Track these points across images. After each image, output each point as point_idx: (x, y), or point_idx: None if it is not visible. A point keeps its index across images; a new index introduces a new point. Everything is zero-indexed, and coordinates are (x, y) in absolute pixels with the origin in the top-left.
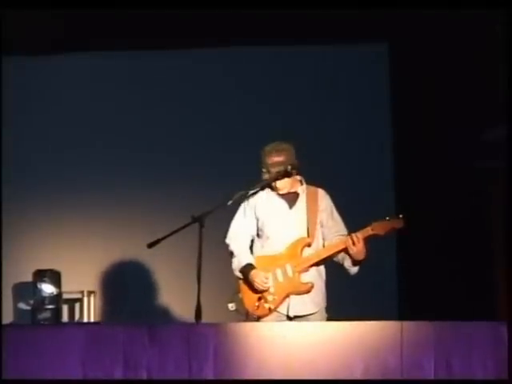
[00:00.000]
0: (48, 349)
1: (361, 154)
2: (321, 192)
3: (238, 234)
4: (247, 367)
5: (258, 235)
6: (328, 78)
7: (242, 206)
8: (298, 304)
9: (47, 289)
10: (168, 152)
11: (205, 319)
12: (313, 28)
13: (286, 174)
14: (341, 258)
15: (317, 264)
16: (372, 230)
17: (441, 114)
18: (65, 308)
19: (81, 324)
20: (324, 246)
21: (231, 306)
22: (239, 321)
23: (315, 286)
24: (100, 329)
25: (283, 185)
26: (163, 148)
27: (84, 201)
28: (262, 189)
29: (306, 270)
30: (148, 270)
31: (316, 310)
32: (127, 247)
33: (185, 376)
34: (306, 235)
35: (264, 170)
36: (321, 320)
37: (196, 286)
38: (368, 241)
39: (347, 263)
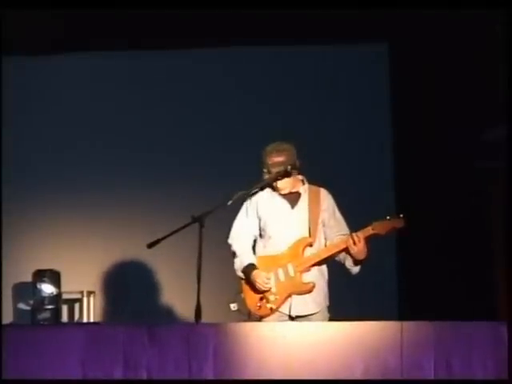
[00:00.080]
0: (48, 349)
1: (361, 154)
2: (323, 191)
3: (240, 234)
4: (247, 367)
5: (260, 235)
6: (328, 78)
7: (245, 206)
8: (299, 304)
9: (47, 289)
10: (168, 152)
11: (205, 319)
12: (313, 28)
13: (285, 174)
14: (342, 258)
15: (318, 264)
16: (373, 229)
17: (441, 114)
18: (64, 308)
19: (80, 324)
20: (326, 246)
21: (233, 306)
22: (241, 321)
23: (317, 286)
24: (100, 329)
25: (284, 185)
26: (163, 148)
27: (84, 201)
28: (262, 189)
29: (308, 269)
30: (148, 270)
31: (318, 310)
32: (127, 247)
33: (185, 376)
34: (307, 235)
35: (265, 171)
36: (323, 320)
37: (196, 285)
38: (369, 240)
39: (348, 263)
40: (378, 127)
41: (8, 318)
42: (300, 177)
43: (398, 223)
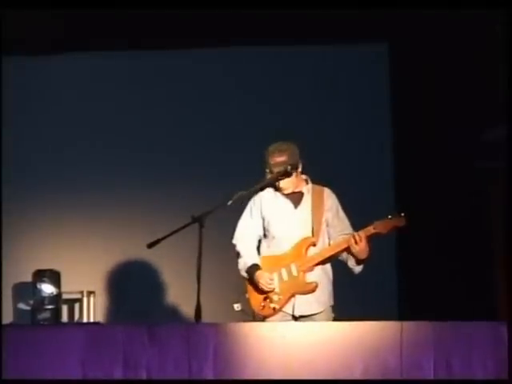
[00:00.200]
0: (48, 349)
1: (361, 154)
2: (327, 191)
3: (245, 235)
4: (247, 367)
5: (264, 235)
6: (328, 78)
7: (249, 206)
8: (303, 304)
9: (47, 289)
10: (168, 152)
11: (205, 319)
12: (313, 28)
13: (285, 174)
14: (345, 257)
15: (321, 263)
16: (374, 228)
17: (441, 114)
18: (64, 308)
19: (80, 324)
20: (329, 245)
21: (237, 307)
22: (243, 321)
23: (321, 286)
24: (100, 329)
25: (287, 185)
26: (163, 148)
27: (84, 201)
28: (262, 189)
29: (311, 269)
30: (148, 270)
31: (321, 310)
32: (127, 247)
33: (185, 376)
34: (310, 235)
35: (267, 171)
36: (327, 320)
37: (196, 285)
38: (370, 240)
39: (351, 262)
40: (378, 127)
41: (8, 318)
42: (304, 176)
43: (400, 222)
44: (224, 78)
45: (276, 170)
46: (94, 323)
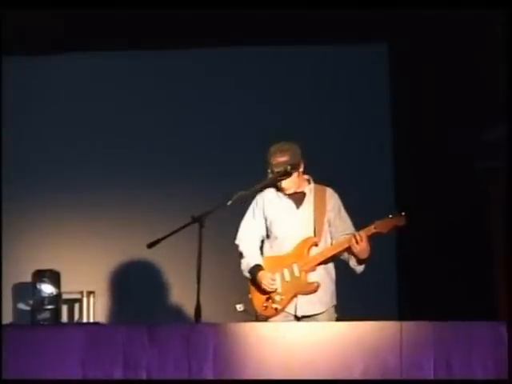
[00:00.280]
0: (48, 349)
1: (361, 154)
2: (329, 191)
3: (247, 236)
4: (247, 367)
5: (267, 236)
6: (328, 78)
7: (251, 207)
8: (305, 304)
9: (47, 289)
10: (168, 152)
11: (205, 319)
12: (313, 28)
13: (285, 174)
14: (347, 257)
15: (323, 263)
16: (375, 228)
17: (441, 114)
18: (64, 308)
19: (80, 324)
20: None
21: (239, 307)
22: (248, 321)
23: (323, 286)
24: (99, 329)
25: (289, 185)
26: (163, 148)
27: (84, 201)
28: (262, 189)
29: (313, 269)
30: (148, 270)
31: (323, 310)
32: (127, 247)
33: (184, 376)
34: (312, 235)
35: (269, 171)
36: (329, 320)
37: (196, 285)
38: (371, 239)
39: (352, 262)
40: (378, 127)
41: (8, 318)
42: (306, 176)
43: (400, 221)
44: (224, 78)
45: (277, 170)
46: (94, 323)
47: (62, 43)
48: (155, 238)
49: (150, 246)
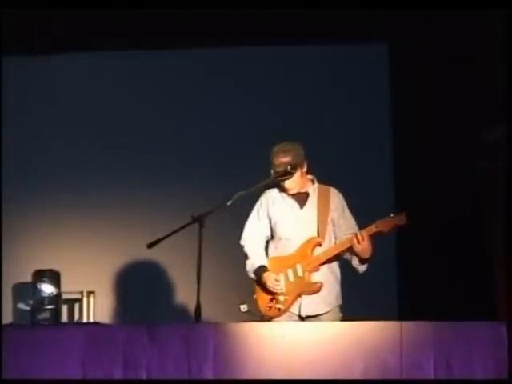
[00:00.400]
0: (48, 349)
1: (361, 154)
2: (333, 191)
3: (252, 236)
4: (247, 367)
5: (271, 236)
6: (328, 78)
7: (256, 207)
8: (309, 304)
9: (47, 289)
10: (168, 152)
11: (205, 319)
12: (313, 28)
13: (285, 174)
14: (349, 257)
15: (327, 262)
16: (376, 227)
17: (441, 114)
18: (64, 308)
19: (80, 324)
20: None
21: (243, 308)
22: (244, 321)
23: (327, 286)
24: (99, 329)
25: (292, 185)
26: (163, 148)
27: (84, 201)
28: (262, 189)
29: (317, 269)
30: (148, 270)
31: (327, 310)
32: (127, 247)
33: (184, 376)
34: (316, 235)
35: (272, 171)
36: (334, 320)
37: (196, 286)
38: (373, 239)
39: (355, 262)
40: (377, 127)
41: (8, 318)
42: (310, 176)
43: (401, 220)
44: (224, 78)
45: (278, 170)
46: (94, 323)
47: (62, 43)
48: (155, 238)
49: (150, 245)
